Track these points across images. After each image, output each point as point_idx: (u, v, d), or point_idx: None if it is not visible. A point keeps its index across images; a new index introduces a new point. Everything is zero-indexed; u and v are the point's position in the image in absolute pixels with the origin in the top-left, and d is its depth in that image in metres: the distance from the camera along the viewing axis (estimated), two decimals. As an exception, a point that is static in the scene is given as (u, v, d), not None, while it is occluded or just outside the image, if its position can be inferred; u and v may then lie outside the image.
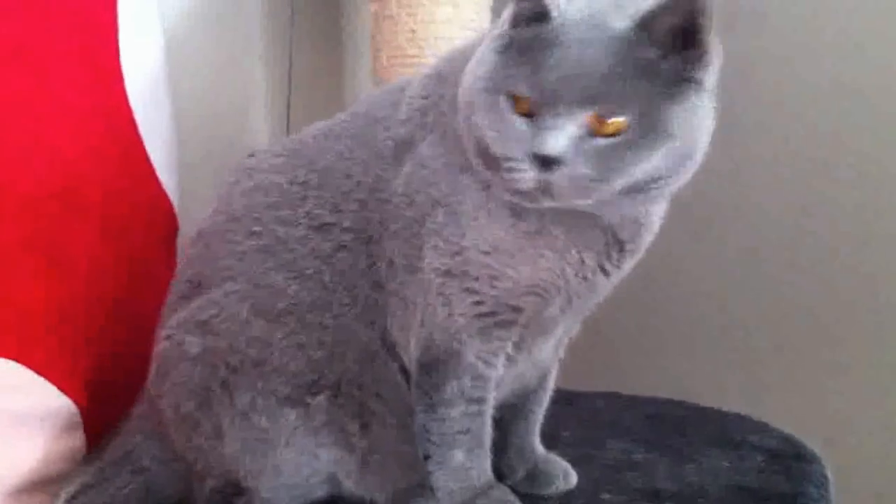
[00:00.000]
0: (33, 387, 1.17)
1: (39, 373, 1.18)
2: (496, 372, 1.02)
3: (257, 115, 1.73)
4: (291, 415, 1.01)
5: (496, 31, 0.92)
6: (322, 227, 1.02)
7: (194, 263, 1.09)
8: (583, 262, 0.97)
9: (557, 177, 0.85)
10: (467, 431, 1.01)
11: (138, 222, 1.33)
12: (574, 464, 1.15)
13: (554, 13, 0.87)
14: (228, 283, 1.04)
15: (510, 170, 0.86)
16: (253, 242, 1.04)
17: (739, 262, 1.68)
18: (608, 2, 0.88)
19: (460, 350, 0.99)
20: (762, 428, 1.26)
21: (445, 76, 1.01)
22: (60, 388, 1.20)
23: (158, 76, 1.39)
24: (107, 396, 1.23)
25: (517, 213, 0.94)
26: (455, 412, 1.00)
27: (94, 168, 1.27)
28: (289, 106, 1.68)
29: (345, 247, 1.02)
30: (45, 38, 1.24)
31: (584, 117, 0.84)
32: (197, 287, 1.07)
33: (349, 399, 1.01)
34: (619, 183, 0.87)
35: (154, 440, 1.10)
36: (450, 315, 0.98)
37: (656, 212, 1.01)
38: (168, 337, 1.06)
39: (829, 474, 1.14)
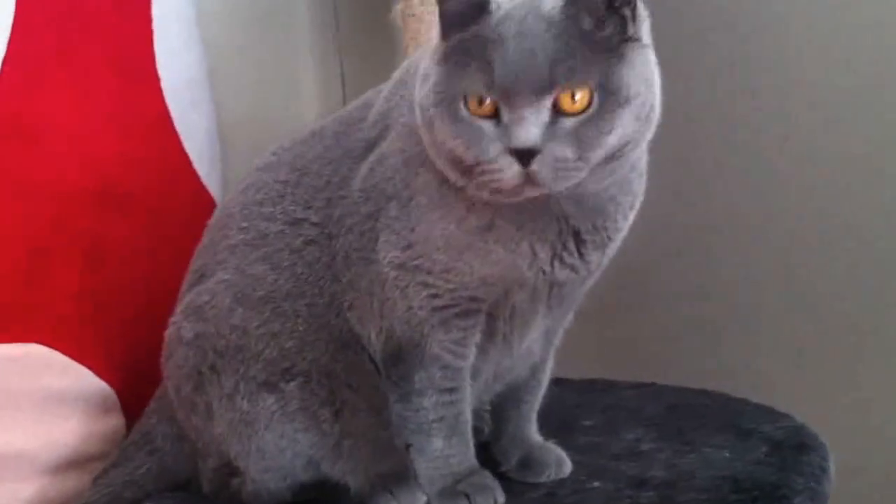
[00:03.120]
0: (69, 371, 1.27)
1: (74, 358, 1.28)
2: (465, 362, 1.03)
3: (310, 109, 1.78)
4: (270, 399, 1.06)
5: (432, 45, 0.93)
6: (295, 223, 1.07)
7: (201, 254, 1.16)
8: (535, 254, 0.97)
9: (538, 165, 0.85)
10: (442, 420, 1.03)
11: (177, 215, 1.40)
12: (580, 452, 1.16)
13: (492, 6, 0.88)
14: (220, 272, 1.10)
15: (490, 171, 0.88)
16: (242, 236, 1.10)
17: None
18: None
19: (422, 341, 1.01)
20: (778, 418, 1.22)
21: (405, 80, 1.04)
22: (96, 373, 1.30)
23: (196, 76, 1.47)
24: (144, 379, 1.30)
25: (469, 207, 0.96)
26: (427, 402, 1.03)
27: (132, 165, 1.36)
28: (344, 100, 1.73)
29: (312, 241, 1.06)
30: (83, 45, 1.33)
31: (547, 102, 0.86)
32: (200, 277, 1.13)
33: (320, 386, 1.05)
34: (597, 156, 0.88)
35: (167, 421, 1.18)
36: (409, 308, 1.01)
37: (621, 201, 1.00)
38: (173, 322, 1.13)
39: (830, 465, 1.11)
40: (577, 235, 0.98)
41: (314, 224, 1.06)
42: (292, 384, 1.05)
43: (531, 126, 0.85)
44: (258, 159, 1.16)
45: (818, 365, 1.58)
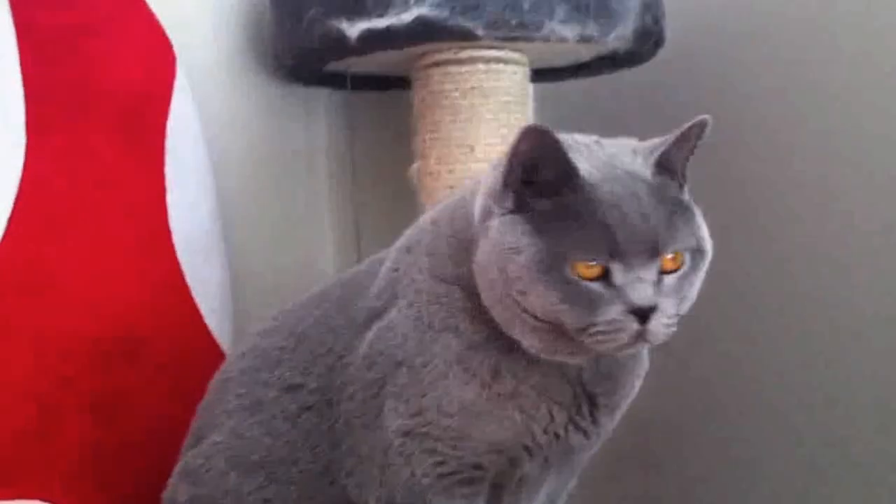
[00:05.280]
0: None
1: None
2: None
3: (325, 263, 1.79)
4: None
5: (506, 218, 0.92)
6: (291, 389, 1.06)
7: (200, 415, 1.16)
8: (552, 418, 0.97)
9: (654, 323, 0.88)
10: None
11: (187, 368, 1.39)
12: None
13: (583, 173, 0.90)
14: (215, 434, 1.09)
15: (606, 332, 0.88)
16: (238, 401, 1.09)
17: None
18: (607, 151, 0.94)
19: None
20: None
21: (411, 247, 1.04)
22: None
23: (209, 229, 1.48)
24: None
25: (494, 374, 0.96)
26: None
27: (142, 317, 1.36)
28: (359, 256, 1.73)
29: (310, 408, 1.05)
30: (94, 195, 1.35)
31: (658, 263, 0.89)
32: (198, 439, 1.13)
33: None
34: (686, 310, 0.92)
35: None
36: (412, 475, 0.99)
37: (632, 369, 1.02)
38: (170, 484, 1.13)
39: None
40: (591, 400, 0.98)
41: (312, 390, 1.05)
42: None
43: (649, 286, 0.88)
44: (258, 325, 1.16)
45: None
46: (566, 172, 0.89)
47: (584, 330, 0.89)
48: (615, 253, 0.88)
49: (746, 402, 1.64)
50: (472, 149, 1.45)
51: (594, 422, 1.00)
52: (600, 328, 0.88)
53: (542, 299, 0.89)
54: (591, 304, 0.88)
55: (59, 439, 1.26)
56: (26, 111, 1.29)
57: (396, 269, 1.05)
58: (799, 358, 1.58)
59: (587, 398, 0.98)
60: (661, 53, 1.54)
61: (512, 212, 0.92)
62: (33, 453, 1.25)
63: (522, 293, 0.90)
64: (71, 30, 1.36)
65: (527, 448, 0.98)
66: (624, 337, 0.88)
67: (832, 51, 1.54)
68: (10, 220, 1.24)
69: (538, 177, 0.91)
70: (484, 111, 1.46)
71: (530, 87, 1.52)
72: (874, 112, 1.50)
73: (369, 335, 1.03)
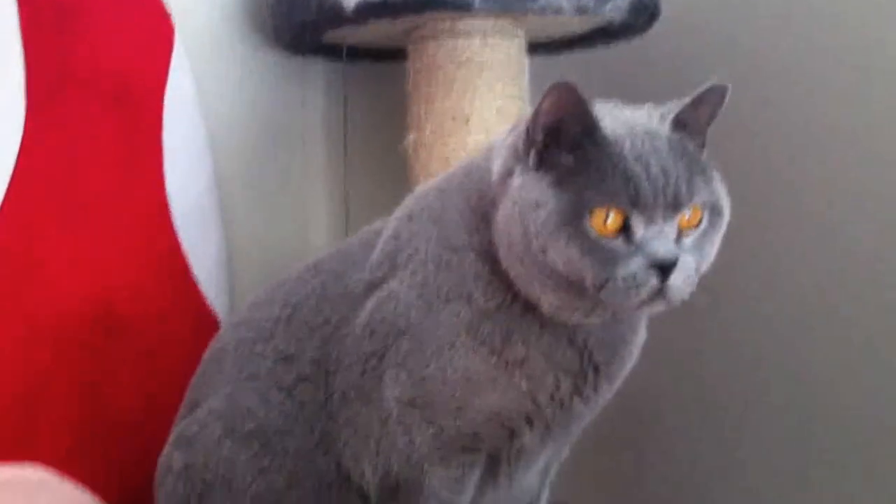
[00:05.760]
0: (65, 492, 1.27)
1: (71, 479, 1.28)
2: (463, 498, 1.02)
3: (317, 234, 1.80)
4: None
5: (528, 175, 0.93)
6: (285, 360, 1.07)
7: (194, 386, 1.16)
8: (558, 386, 0.98)
9: (674, 280, 0.89)
10: None
11: (184, 340, 1.40)
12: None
13: (605, 128, 0.91)
14: (210, 402, 1.10)
15: (626, 288, 0.89)
16: (233, 372, 1.10)
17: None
18: (625, 112, 0.95)
19: (421, 477, 1.00)
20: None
21: (413, 216, 1.04)
22: (93, 493, 1.29)
23: (204, 199, 1.49)
24: (144, 500, 1.29)
25: (505, 341, 0.96)
26: None
27: (139, 293, 1.38)
28: (347, 227, 1.74)
29: (305, 379, 1.05)
30: (92, 173, 1.35)
31: (678, 218, 0.90)
32: (193, 407, 1.13)
33: None
34: (704, 269, 0.93)
35: None
36: (410, 443, 1.00)
37: (633, 338, 1.02)
38: (165, 451, 1.13)
39: None
40: (596, 368, 0.99)
41: (307, 362, 1.05)
42: None
43: (670, 241, 0.89)
44: (252, 296, 1.16)
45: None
46: (589, 128, 0.90)
47: (603, 285, 0.89)
48: (636, 204, 0.88)
49: (737, 383, 1.65)
50: (466, 121, 1.45)
51: (595, 389, 1.00)
52: (620, 283, 0.88)
53: (563, 254, 0.90)
54: (612, 258, 0.89)
55: (49, 411, 1.28)
56: (26, 83, 1.29)
57: (397, 238, 1.04)
58: (787, 337, 1.59)
59: (593, 366, 0.99)
60: (657, 26, 1.54)
61: (534, 169, 0.93)
62: (27, 424, 1.26)
63: (543, 249, 0.91)
64: (71, 2, 1.36)
65: (528, 418, 0.99)
66: (643, 292, 0.89)
67: (823, 22, 1.53)
68: (7, 193, 1.24)
69: (561, 133, 0.91)
70: (479, 83, 1.46)
71: (526, 60, 1.52)
72: (879, 76, 1.49)
73: (369, 305, 1.03)
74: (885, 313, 1.47)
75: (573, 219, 0.89)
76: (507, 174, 0.95)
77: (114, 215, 1.36)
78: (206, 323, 1.45)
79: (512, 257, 0.94)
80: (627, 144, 0.90)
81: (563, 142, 0.91)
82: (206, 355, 1.16)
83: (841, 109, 1.52)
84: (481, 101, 1.46)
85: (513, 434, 1.01)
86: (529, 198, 0.92)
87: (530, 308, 0.96)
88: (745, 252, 1.31)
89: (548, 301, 0.94)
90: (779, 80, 1.57)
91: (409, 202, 1.08)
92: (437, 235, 1.00)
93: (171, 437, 1.13)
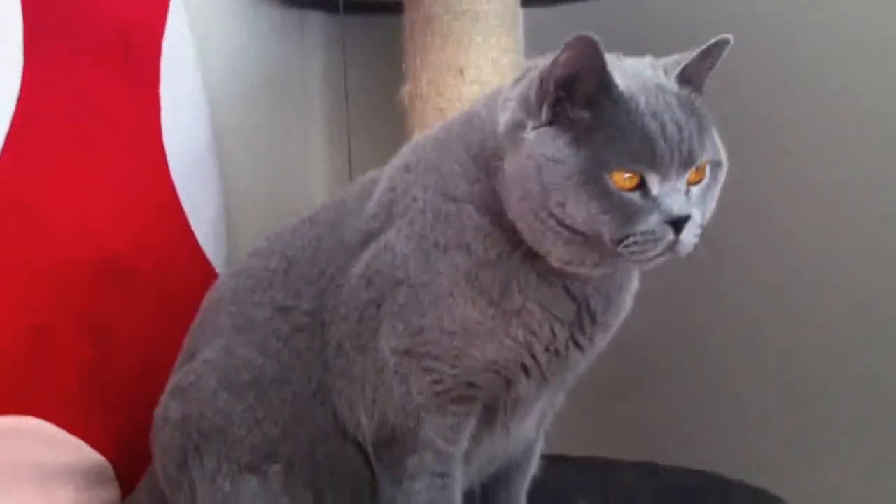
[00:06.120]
0: (63, 444, 1.28)
1: (69, 431, 1.28)
2: (458, 447, 1.03)
3: (318, 185, 1.81)
4: (252, 481, 1.06)
5: (542, 130, 0.92)
6: (283, 310, 1.07)
7: (191, 335, 1.17)
8: (554, 335, 0.99)
9: (685, 233, 0.91)
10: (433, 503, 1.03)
11: (182, 291, 1.40)
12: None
13: (619, 85, 0.91)
14: (207, 352, 1.11)
15: (644, 242, 0.90)
16: (230, 321, 1.10)
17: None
18: (631, 65, 0.96)
19: (416, 426, 1.01)
20: (769, 501, 1.20)
21: (410, 166, 1.04)
22: (92, 445, 1.30)
23: (203, 154, 1.49)
24: (141, 452, 1.31)
25: (503, 291, 0.97)
26: (419, 485, 1.02)
27: (137, 242, 1.38)
28: (351, 178, 1.75)
29: (302, 329, 1.06)
30: (89, 122, 1.36)
31: (688, 174, 0.92)
32: (190, 357, 1.14)
33: (302, 471, 1.05)
34: (707, 219, 0.94)
35: (157, 495, 1.18)
36: (407, 393, 1.01)
37: (627, 287, 1.03)
38: (162, 402, 1.14)
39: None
40: (592, 318, 1.00)
41: (304, 312, 1.06)
42: (275, 467, 1.05)
43: (683, 196, 0.90)
44: (253, 245, 1.17)
45: (813, 447, 1.58)
46: (605, 84, 0.91)
47: (622, 240, 0.90)
48: (654, 163, 0.89)
49: (733, 333, 1.66)
50: (461, 72, 1.46)
51: (591, 339, 1.01)
52: (638, 238, 0.90)
53: (584, 210, 0.90)
54: (631, 214, 0.90)
55: (49, 359, 1.28)
56: (24, 33, 1.28)
57: (394, 189, 1.04)
58: (783, 281, 1.60)
59: (589, 315, 1.00)
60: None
61: (548, 124, 0.93)
62: (28, 374, 1.27)
63: (561, 204, 0.91)
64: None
65: (525, 367, 1.00)
66: (659, 247, 0.90)
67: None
68: (6, 145, 1.24)
69: (576, 88, 0.91)
70: (474, 35, 1.46)
71: (521, 12, 1.52)
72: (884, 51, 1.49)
73: (366, 256, 1.03)
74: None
75: (593, 177, 0.90)
76: (517, 126, 0.95)
77: (111, 166, 1.36)
78: (204, 274, 1.46)
79: (523, 210, 0.94)
80: (643, 101, 0.91)
81: (578, 96, 0.91)
82: (205, 304, 1.16)
83: (846, 71, 1.52)
84: (477, 52, 1.46)
85: (509, 383, 1.01)
86: (547, 154, 0.92)
87: (528, 258, 0.96)
88: (740, 203, 1.32)
89: (558, 254, 0.94)
90: (774, 37, 1.57)
91: (405, 152, 1.08)
92: (436, 185, 1.00)
93: (168, 387, 1.14)
